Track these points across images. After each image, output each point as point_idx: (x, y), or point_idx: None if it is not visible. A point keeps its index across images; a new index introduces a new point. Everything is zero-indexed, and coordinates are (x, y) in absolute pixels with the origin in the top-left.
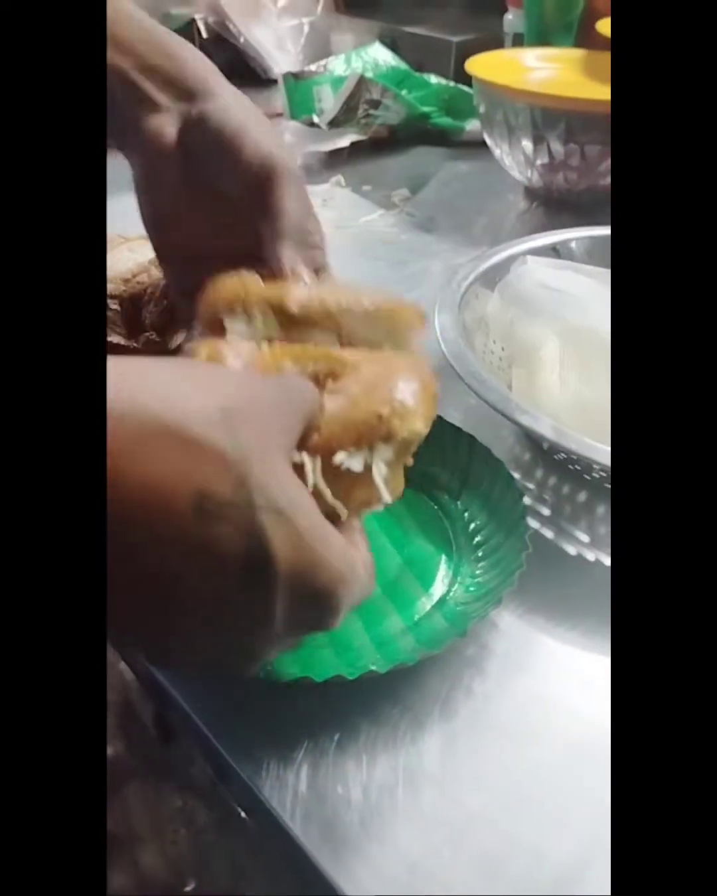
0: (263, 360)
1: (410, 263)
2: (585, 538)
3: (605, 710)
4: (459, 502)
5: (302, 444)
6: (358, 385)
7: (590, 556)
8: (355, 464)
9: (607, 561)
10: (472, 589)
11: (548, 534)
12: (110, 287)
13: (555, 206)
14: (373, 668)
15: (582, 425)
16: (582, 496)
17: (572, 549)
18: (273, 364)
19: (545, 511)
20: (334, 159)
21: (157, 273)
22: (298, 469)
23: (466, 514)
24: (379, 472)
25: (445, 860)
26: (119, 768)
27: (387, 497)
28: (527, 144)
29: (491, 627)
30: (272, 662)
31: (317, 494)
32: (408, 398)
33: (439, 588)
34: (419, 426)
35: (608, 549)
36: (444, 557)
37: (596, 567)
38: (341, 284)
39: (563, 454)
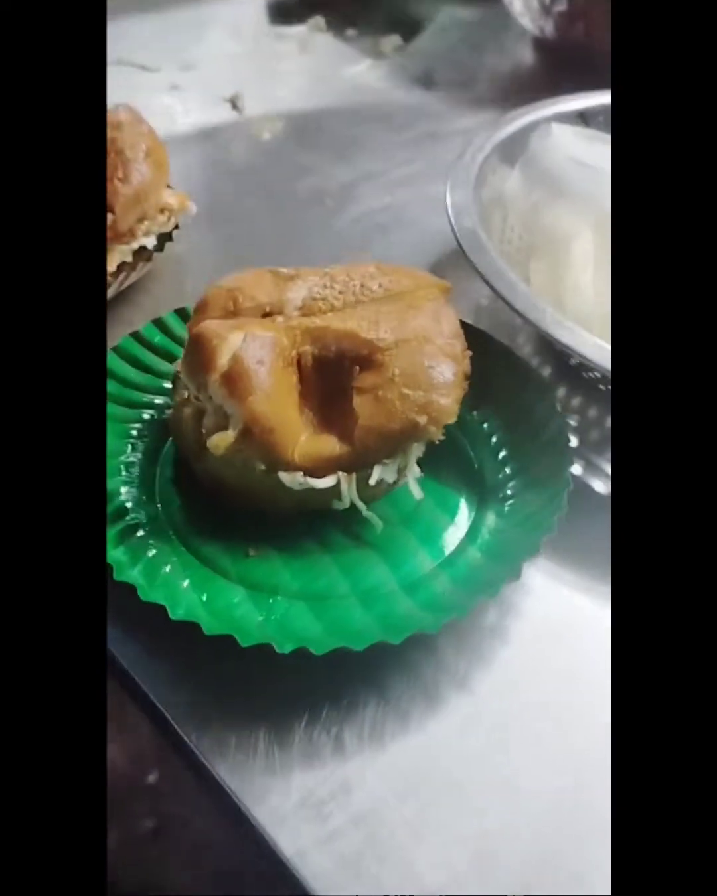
0: (280, 345)
1: (406, 128)
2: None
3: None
4: (475, 412)
5: (334, 463)
6: (390, 386)
7: None
8: (390, 475)
9: None
10: (507, 512)
11: (575, 469)
12: None
13: (571, 63)
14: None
15: None
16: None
17: (601, 487)
18: (293, 348)
19: (571, 440)
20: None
21: None
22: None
23: (484, 426)
24: (413, 474)
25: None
26: None
27: (419, 495)
28: None
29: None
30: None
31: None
32: (443, 397)
33: (463, 515)
34: (454, 415)
35: None
36: (464, 478)
37: None
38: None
39: (595, 372)
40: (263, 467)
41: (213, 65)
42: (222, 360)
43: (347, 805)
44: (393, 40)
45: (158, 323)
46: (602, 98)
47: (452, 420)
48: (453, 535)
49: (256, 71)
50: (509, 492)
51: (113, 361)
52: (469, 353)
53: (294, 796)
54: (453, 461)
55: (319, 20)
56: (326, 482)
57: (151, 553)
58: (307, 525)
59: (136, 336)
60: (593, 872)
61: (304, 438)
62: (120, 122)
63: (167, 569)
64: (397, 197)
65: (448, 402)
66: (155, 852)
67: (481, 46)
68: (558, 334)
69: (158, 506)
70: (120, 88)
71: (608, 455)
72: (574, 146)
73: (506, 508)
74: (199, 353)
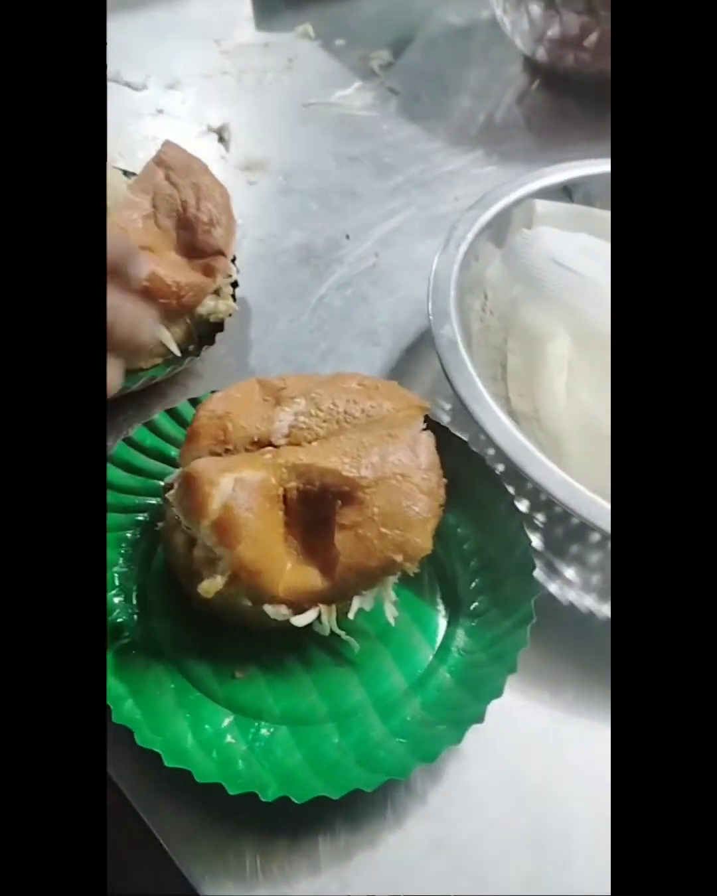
0: (266, 485)
1: (394, 171)
2: (577, 580)
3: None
4: (450, 516)
5: (316, 596)
6: (370, 525)
7: (583, 604)
8: (368, 604)
9: (604, 612)
10: (476, 630)
11: (536, 572)
12: None
13: (560, 87)
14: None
15: (588, 450)
16: (576, 522)
17: (557, 590)
18: (280, 486)
19: (536, 541)
20: (303, 2)
21: None
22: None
23: (458, 530)
24: (389, 600)
25: None
26: None
27: (393, 620)
28: (536, 9)
29: None
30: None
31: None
32: (419, 535)
33: (436, 628)
34: (428, 550)
35: (605, 599)
36: (439, 587)
37: (591, 619)
38: (322, 383)
39: None
40: (249, 603)
41: (198, 83)
42: (214, 507)
43: None
44: (382, 56)
45: (150, 425)
46: (585, 169)
47: (426, 549)
48: (426, 651)
49: (241, 93)
50: (477, 605)
51: (109, 471)
52: (444, 481)
53: None
54: (428, 567)
55: (307, 28)
56: (305, 618)
57: (146, 678)
58: (291, 641)
59: (128, 441)
60: None
61: (288, 568)
62: (191, 166)
63: (161, 698)
64: (383, 258)
65: (423, 540)
66: None
67: (470, 63)
68: (551, 488)
69: (151, 621)
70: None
71: (569, 557)
72: (556, 243)
73: (474, 625)
74: (191, 496)
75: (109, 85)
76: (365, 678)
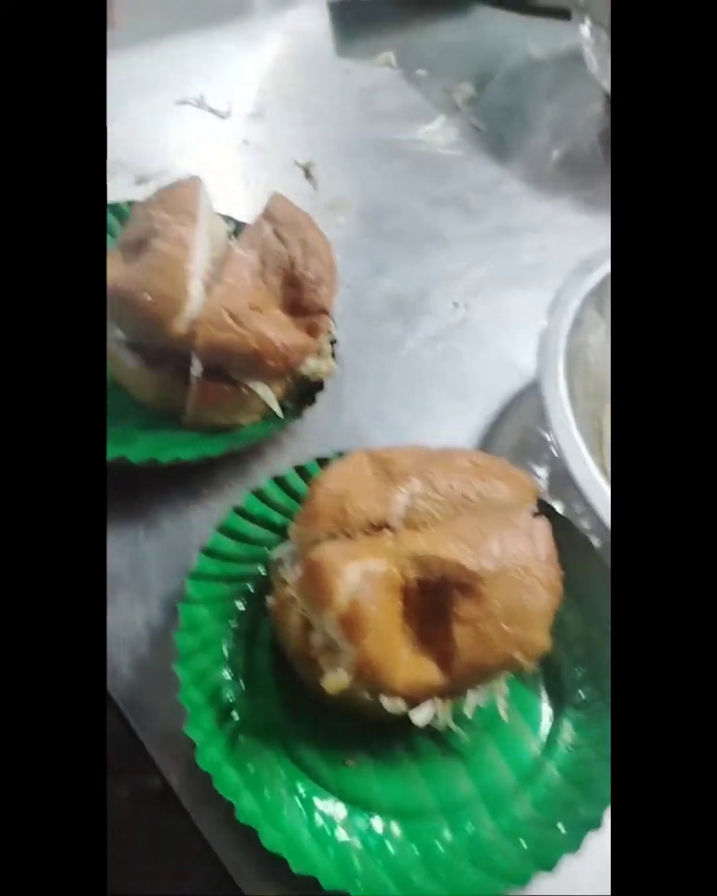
0: (390, 576)
1: (480, 215)
2: None
3: None
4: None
5: (432, 691)
6: (490, 620)
7: None
8: (483, 700)
9: None
10: (583, 724)
11: None
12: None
13: None
14: None
15: None
16: None
17: None
18: (401, 576)
19: None
20: (383, 26)
21: None
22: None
23: (565, 617)
24: (501, 694)
25: None
26: None
27: (506, 715)
28: None
29: None
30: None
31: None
32: (539, 631)
33: (544, 716)
34: (547, 647)
35: None
36: (542, 675)
37: None
38: (433, 459)
39: None
40: (368, 697)
41: (282, 113)
42: (340, 600)
43: None
44: (465, 90)
45: (259, 493)
46: None
47: (544, 646)
48: (532, 744)
49: (326, 125)
50: (583, 696)
51: (217, 540)
52: (561, 573)
53: None
54: None
55: (389, 56)
56: (423, 715)
57: (259, 766)
58: (399, 729)
59: (238, 511)
60: None
61: (405, 658)
62: (298, 221)
63: (275, 789)
64: (472, 311)
65: (542, 637)
66: None
67: (553, 98)
68: None
69: (258, 700)
70: (188, 136)
71: None
72: None
73: (582, 717)
74: (316, 585)
75: (195, 110)
76: (472, 770)
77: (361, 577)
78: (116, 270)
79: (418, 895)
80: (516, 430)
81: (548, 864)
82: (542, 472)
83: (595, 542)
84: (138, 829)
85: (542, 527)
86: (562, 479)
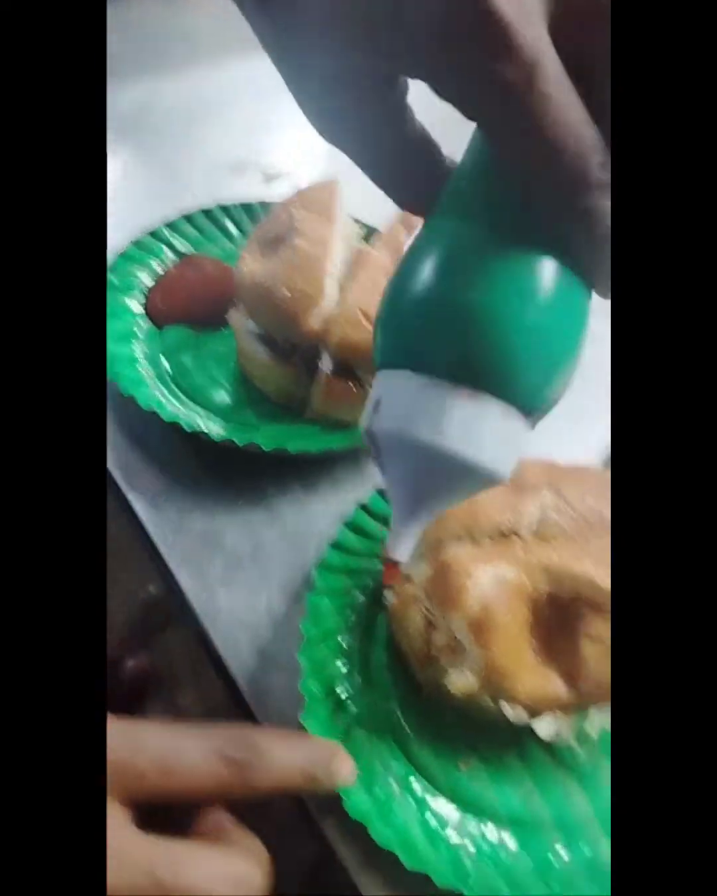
0: (521, 584)
1: None
2: None
3: None
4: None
5: (555, 704)
6: None
7: None
8: (606, 720)
9: None
10: None
11: None
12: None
13: None
14: None
15: None
16: None
17: None
18: (531, 586)
19: None
20: None
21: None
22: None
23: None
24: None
25: None
26: (160, 609)
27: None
28: None
29: None
30: None
31: None
32: None
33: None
34: None
35: None
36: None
37: None
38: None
39: None
40: (490, 703)
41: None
42: (470, 602)
43: None
44: None
45: (383, 492)
46: None
47: None
48: None
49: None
50: None
51: (344, 535)
52: None
53: None
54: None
55: None
56: (549, 729)
57: (372, 760)
58: (512, 737)
59: (365, 508)
60: None
61: (530, 669)
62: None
63: (386, 786)
64: None
65: None
66: None
67: None
68: None
69: (375, 696)
70: (316, 136)
71: None
72: None
73: None
74: (447, 585)
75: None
76: (590, 790)
77: (493, 580)
78: (256, 264)
79: None
80: None
81: None
82: None
83: None
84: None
85: None
86: None
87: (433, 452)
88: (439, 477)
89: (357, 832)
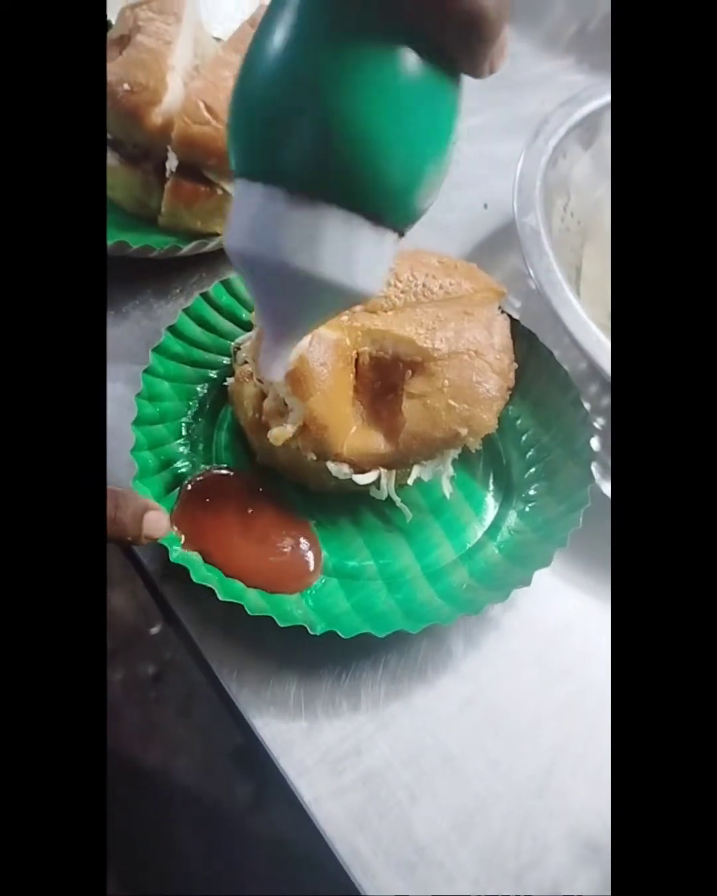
0: (342, 346)
1: None
2: None
3: None
4: (510, 408)
5: (377, 459)
6: (438, 396)
7: None
8: (427, 474)
9: None
10: (528, 513)
11: (596, 471)
12: None
13: None
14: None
15: None
16: None
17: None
18: (353, 348)
19: (593, 443)
20: None
21: None
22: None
23: (517, 422)
24: (447, 473)
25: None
26: None
27: (450, 494)
28: None
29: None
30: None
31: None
32: (486, 412)
33: (487, 509)
34: (493, 428)
35: None
36: (492, 472)
37: None
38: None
39: None
40: (314, 457)
41: None
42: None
43: (358, 765)
44: None
45: (226, 284)
46: None
47: (491, 425)
48: (476, 528)
49: None
50: (532, 492)
51: (182, 322)
52: (515, 365)
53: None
54: (483, 454)
55: None
56: (368, 478)
57: None
58: (345, 504)
59: (205, 296)
60: (559, 842)
61: (353, 431)
62: None
63: None
64: (464, 152)
65: (490, 417)
66: None
67: None
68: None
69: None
70: None
71: None
72: None
73: (527, 509)
74: None
75: None
76: (415, 547)
77: (309, 339)
78: None
79: (344, 629)
80: (498, 268)
81: (475, 609)
82: (518, 304)
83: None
84: None
85: (500, 320)
86: (535, 316)
87: (289, 272)
88: (302, 296)
89: (200, 594)
